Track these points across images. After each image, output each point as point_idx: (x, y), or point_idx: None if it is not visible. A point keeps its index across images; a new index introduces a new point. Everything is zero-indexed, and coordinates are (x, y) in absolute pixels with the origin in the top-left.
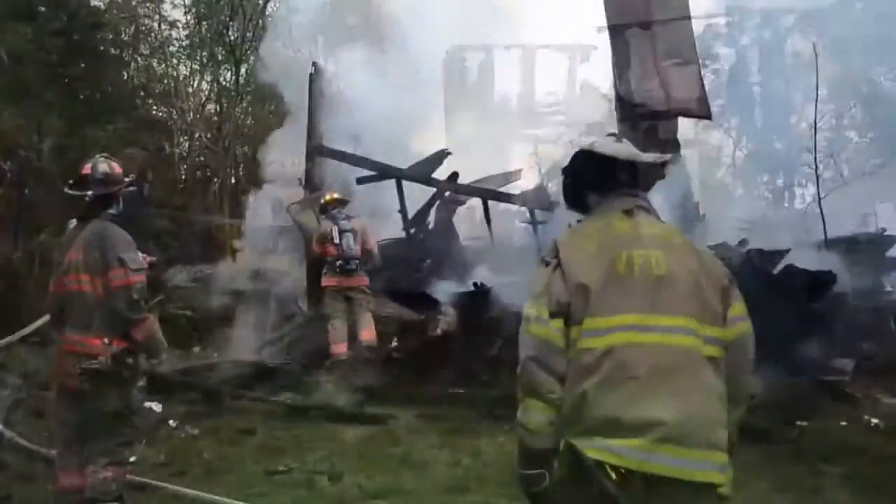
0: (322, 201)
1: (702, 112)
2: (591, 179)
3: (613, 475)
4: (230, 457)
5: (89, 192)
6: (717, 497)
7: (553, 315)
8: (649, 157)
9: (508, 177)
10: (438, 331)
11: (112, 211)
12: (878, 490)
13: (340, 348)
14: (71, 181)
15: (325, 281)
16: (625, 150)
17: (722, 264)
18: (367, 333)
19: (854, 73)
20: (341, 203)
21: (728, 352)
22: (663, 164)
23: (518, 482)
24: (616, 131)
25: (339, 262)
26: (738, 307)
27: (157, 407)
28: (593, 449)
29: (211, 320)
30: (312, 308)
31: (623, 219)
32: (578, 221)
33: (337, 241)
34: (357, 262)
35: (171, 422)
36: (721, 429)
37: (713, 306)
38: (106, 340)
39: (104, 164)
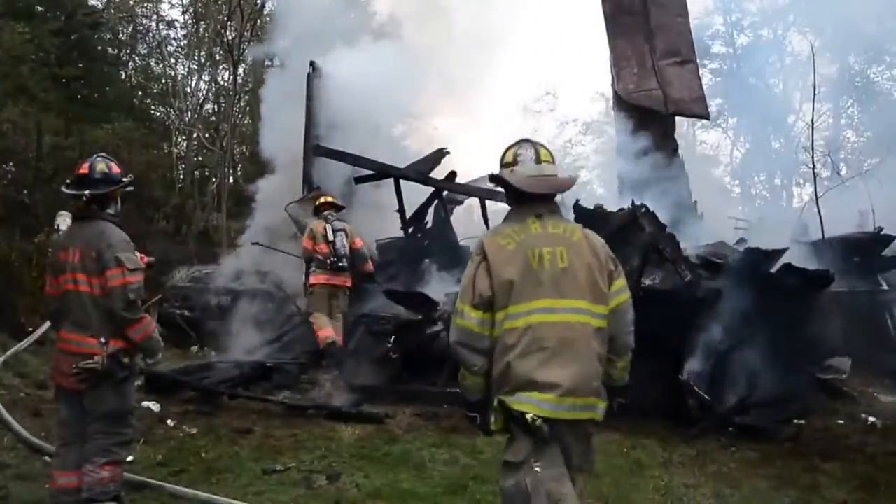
0: (317, 203)
1: (700, 111)
2: (510, 194)
3: (531, 420)
4: (228, 456)
5: (87, 192)
6: (594, 423)
7: (475, 307)
8: (558, 182)
9: None
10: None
11: (110, 211)
12: (875, 488)
13: (328, 332)
14: (68, 181)
15: (314, 278)
16: (532, 182)
17: (609, 251)
18: (329, 332)
19: (852, 71)
20: (335, 207)
21: (612, 318)
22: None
23: (467, 420)
24: (532, 140)
25: (331, 260)
26: (618, 282)
27: (154, 406)
28: (517, 403)
29: (209, 320)
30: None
31: (535, 221)
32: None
33: (331, 238)
34: (347, 260)
35: (168, 421)
36: (598, 381)
37: (602, 289)
38: (102, 340)
39: (102, 164)
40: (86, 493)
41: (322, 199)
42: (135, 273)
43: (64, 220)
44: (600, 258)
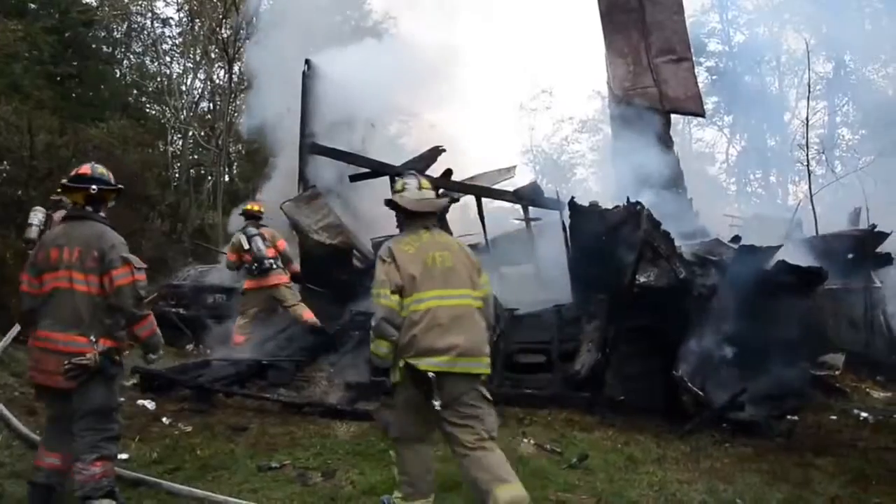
0: (244, 208)
1: (696, 109)
2: (403, 213)
3: (432, 375)
4: (223, 453)
5: (94, 186)
6: (482, 377)
7: (393, 292)
8: (437, 203)
9: (502, 173)
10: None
11: (102, 213)
12: (866, 482)
13: (239, 339)
14: (65, 180)
15: (247, 284)
16: (418, 204)
17: (475, 256)
18: (307, 314)
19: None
20: (255, 218)
21: (485, 301)
22: (451, 202)
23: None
24: (415, 174)
25: (254, 266)
26: (484, 277)
27: (150, 405)
28: (422, 364)
29: (204, 318)
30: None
31: (425, 232)
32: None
33: (247, 246)
34: (271, 261)
35: (164, 419)
36: (486, 344)
37: (476, 282)
38: (92, 338)
39: (101, 167)
40: (80, 492)
41: (249, 206)
42: (141, 272)
43: (37, 216)
44: (472, 261)
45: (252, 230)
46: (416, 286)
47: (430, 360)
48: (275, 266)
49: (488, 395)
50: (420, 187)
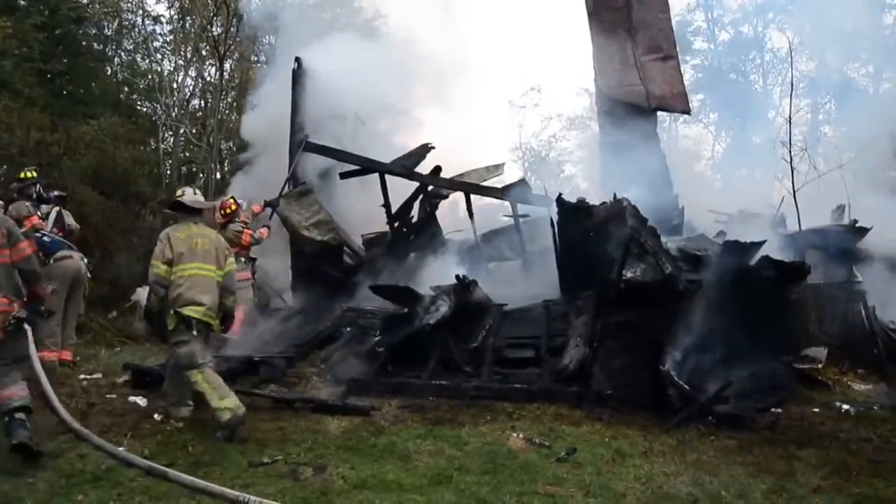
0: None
1: (681, 107)
2: (181, 210)
3: (194, 321)
4: (215, 450)
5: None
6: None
7: (163, 263)
8: (203, 205)
9: (491, 171)
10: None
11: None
12: (847, 472)
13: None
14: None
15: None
16: (192, 205)
17: (226, 245)
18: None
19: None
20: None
21: (226, 276)
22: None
23: (146, 329)
24: (192, 186)
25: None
26: (230, 260)
27: (141, 401)
28: (186, 311)
29: None
30: (298, 301)
31: (194, 225)
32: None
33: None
34: None
35: (155, 416)
36: (216, 307)
37: (221, 262)
38: (13, 298)
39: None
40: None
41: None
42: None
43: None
44: (221, 247)
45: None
46: (183, 260)
47: (192, 308)
48: None
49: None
50: (195, 193)
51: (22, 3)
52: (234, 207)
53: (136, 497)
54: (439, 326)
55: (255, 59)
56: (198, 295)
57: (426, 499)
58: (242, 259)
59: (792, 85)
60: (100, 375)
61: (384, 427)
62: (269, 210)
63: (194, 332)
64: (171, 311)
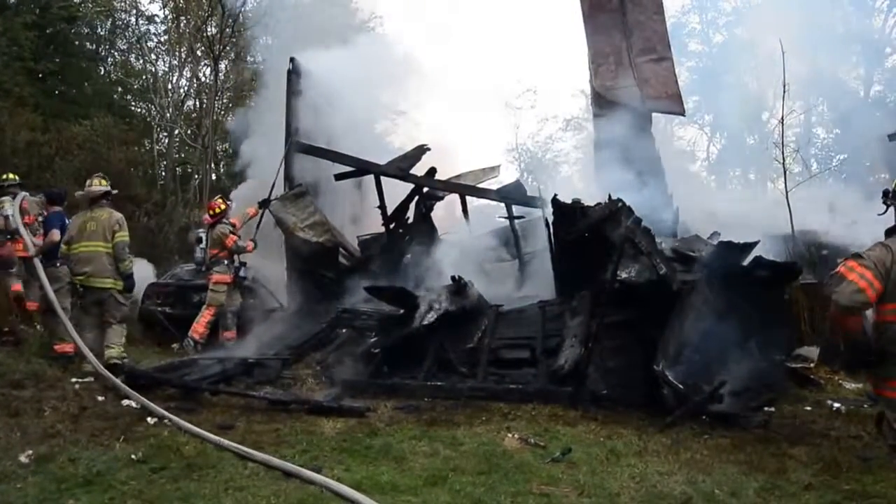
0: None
1: (676, 108)
2: (86, 199)
3: (80, 286)
4: (210, 452)
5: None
6: (110, 289)
7: (66, 243)
8: (98, 190)
9: (487, 172)
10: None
11: None
12: (838, 470)
13: (232, 334)
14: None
15: (224, 278)
16: (90, 193)
17: (118, 222)
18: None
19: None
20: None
21: (115, 247)
22: (105, 195)
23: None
24: (99, 175)
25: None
26: (120, 234)
27: (135, 404)
28: (76, 279)
29: (190, 317)
30: (293, 303)
31: (91, 211)
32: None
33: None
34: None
35: (149, 419)
36: (107, 271)
37: (107, 238)
38: None
39: None
40: None
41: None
42: None
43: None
44: (111, 225)
45: (200, 232)
46: (76, 239)
47: (78, 277)
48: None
49: (120, 300)
50: (98, 184)
51: (11, 1)
52: (222, 207)
53: (129, 500)
54: (434, 327)
55: (252, 59)
56: (84, 265)
57: (421, 500)
58: (225, 262)
59: (785, 87)
60: (92, 379)
61: (379, 428)
62: (254, 220)
63: (83, 300)
64: (74, 278)
